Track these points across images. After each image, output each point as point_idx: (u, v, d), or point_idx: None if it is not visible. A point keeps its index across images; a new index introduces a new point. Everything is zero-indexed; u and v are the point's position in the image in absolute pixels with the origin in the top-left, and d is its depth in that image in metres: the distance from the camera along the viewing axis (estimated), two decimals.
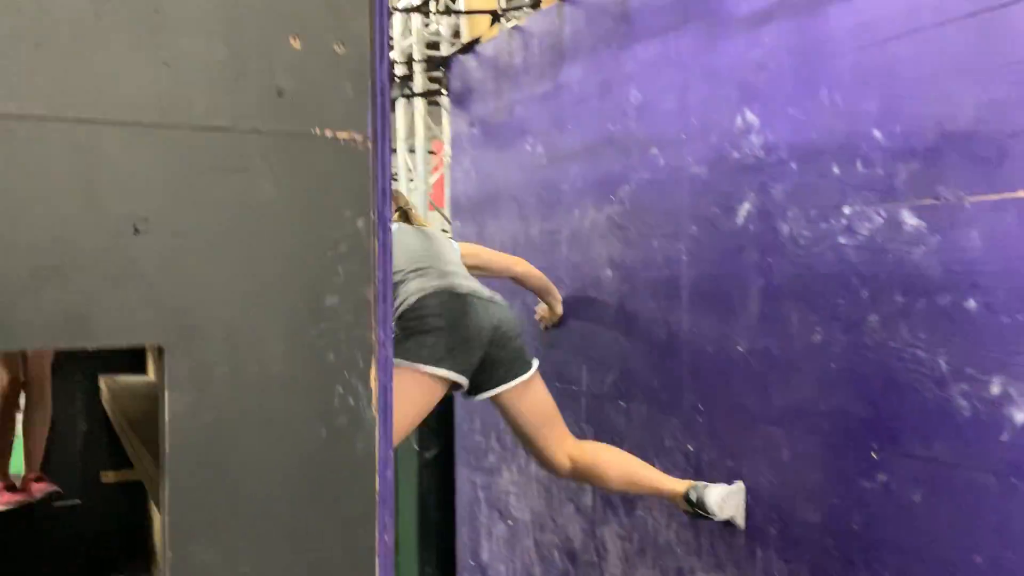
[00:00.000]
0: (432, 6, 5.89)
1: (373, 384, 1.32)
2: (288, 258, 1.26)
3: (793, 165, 2.80)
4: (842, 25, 2.63)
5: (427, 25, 6.08)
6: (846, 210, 2.63)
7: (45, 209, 1.13)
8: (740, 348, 3.02)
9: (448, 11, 5.79)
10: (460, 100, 4.99)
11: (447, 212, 5.42)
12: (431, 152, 6.72)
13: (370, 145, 1.32)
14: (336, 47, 1.30)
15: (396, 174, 6.20)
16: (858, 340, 2.59)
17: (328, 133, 1.29)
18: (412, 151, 6.34)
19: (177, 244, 1.19)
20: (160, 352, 1.19)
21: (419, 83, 5.55)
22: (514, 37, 4.41)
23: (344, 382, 1.30)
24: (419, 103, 5.62)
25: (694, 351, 3.24)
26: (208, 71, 1.22)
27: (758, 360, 2.95)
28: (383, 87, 1.34)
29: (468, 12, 4.68)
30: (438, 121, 6.44)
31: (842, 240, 2.64)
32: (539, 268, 4.02)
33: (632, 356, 3.58)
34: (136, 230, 1.17)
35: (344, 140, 1.30)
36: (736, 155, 3.02)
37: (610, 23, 3.68)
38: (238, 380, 1.23)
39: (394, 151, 6.59)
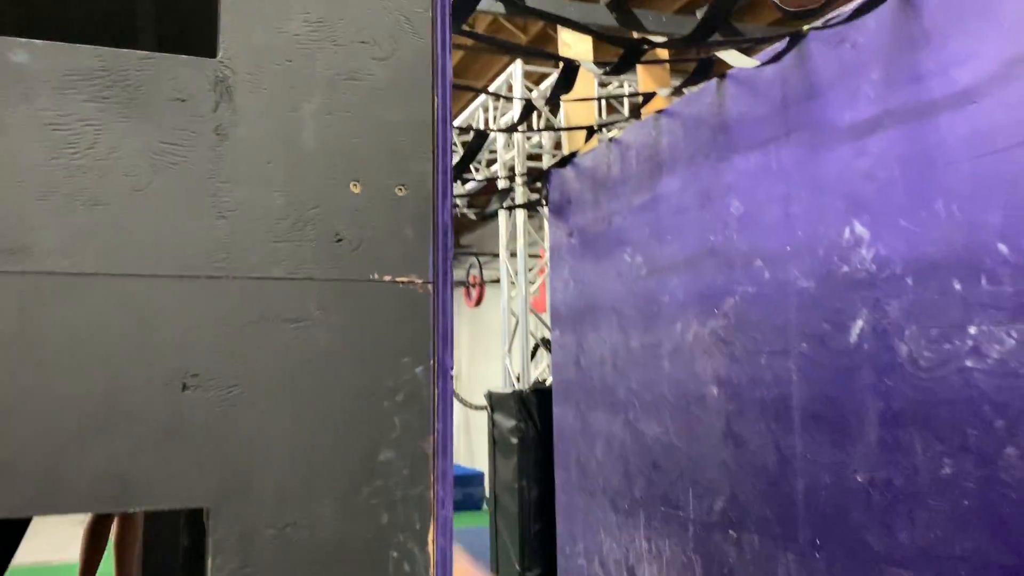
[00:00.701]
0: (534, 123, 6.00)
1: (431, 548, 1.21)
2: (342, 410, 1.19)
3: (909, 281, 2.60)
4: (955, 133, 2.46)
5: (529, 139, 6.17)
6: (971, 330, 2.39)
7: (95, 364, 1.10)
8: (859, 478, 2.76)
9: (549, 127, 5.87)
10: (558, 210, 4.98)
11: (547, 319, 5.36)
12: (535, 256, 6.73)
13: (431, 288, 1.25)
14: (397, 190, 1.26)
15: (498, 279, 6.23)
16: (994, 475, 2.31)
17: (387, 278, 1.23)
18: (514, 255, 6.37)
19: (226, 399, 1.14)
20: (206, 515, 1.13)
21: (520, 194, 5.60)
22: (611, 149, 4.39)
23: (399, 546, 1.20)
24: (520, 213, 5.66)
25: (809, 478, 2.99)
26: (265, 221, 1.19)
27: (880, 492, 2.68)
28: (445, 228, 1.28)
29: (567, 129, 4.71)
30: (540, 227, 6.46)
31: (969, 363, 2.40)
32: (640, 383, 3.87)
33: (742, 481, 3.34)
34: (185, 386, 1.13)
35: (404, 284, 1.24)
36: (846, 269, 2.84)
37: (708, 133, 3.60)
38: (285, 545, 1.15)
39: (495, 256, 6.65)
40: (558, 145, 5.90)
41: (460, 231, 18.96)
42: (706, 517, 3.54)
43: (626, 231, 4.23)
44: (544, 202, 5.14)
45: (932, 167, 2.53)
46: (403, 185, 1.26)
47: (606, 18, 4.02)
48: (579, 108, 4.92)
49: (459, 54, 9.40)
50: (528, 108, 3.15)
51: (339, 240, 1.22)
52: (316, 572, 1.17)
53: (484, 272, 11.02)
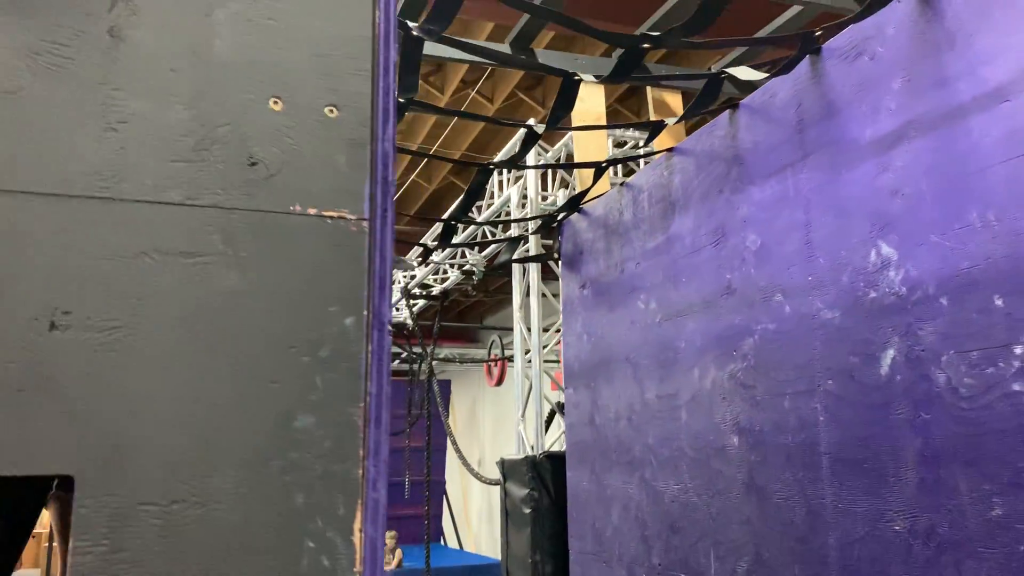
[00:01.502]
0: (549, 185, 5.89)
1: (357, 539, 0.98)
2: (251, 364, 0.98)
3: (944, 301, 2.35)
4: (988, 136, 2.26)
5: (545, 198, 6.05)
6: (1017, 350, 2.13)
7: None
8: (897, 527, 2.46)
9: (565, 185, 5.75)
10: (571, 263, 4.78)
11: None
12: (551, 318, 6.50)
13: (366, 226, 1.05)
14: (328, 111, 1.07)
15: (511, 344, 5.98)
16: None
17: (312, 211, 1.04)
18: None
19: (105, 344, 0.93)
20: (68, 484, 0.91)
21: (534, 247, 5.43)
22: (623, 194, 4.21)
23: (316, 534, 0.97)
24: (533, 269, 5.47)
25: (841, 531, 2.67)
26: (163, 137, 1.00)
27: (922, 542, 2.37)
28: (386, 158, 1.09)
29: (577, 166, 4.56)
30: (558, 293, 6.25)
31: (1017, 387, 2.13)
32: (657, 438, 3.60)
33: (767, 539, 3.02)
34: (53, 325, 0.92)
35: (333, 219, 1.04)
36: (873, 295, 2.60)
37: (722, 167, 3.42)
38: (171, 526, 0.92)
39: (508, 332, 6.42)
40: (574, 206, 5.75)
41: (480, 309, 18.82)
42: None
43: (639, 277, 4.02)
44: (556, 255, 4.96)
45: (964, 175, 2.32)
46: (334, 106, 1.08)
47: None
48: (590, 145, 4.78)
49: (477, 128, 9.41)
50: (531, 137, 3.00)
51: (253, 164, 1.03)
52: (209, 562, 0.93)
53: (507, 350, 10.74)
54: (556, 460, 5.21)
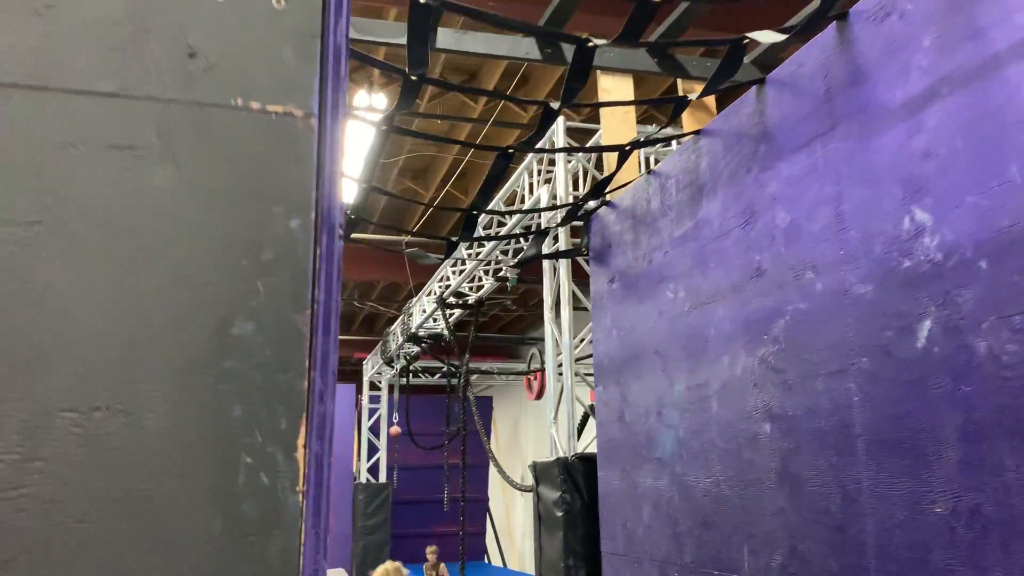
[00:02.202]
0: (580, 183, 5.79)
1: (300, 455, 0.89)
2: (185, 265, 0.90)
3: (983, 264, 2.20)
4: None
5: (576, 198, 5.96)
6: None
7: None
8: (939, 509, 2.30)
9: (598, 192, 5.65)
10: (600, 257, 4.67)
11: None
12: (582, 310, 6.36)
13: (314, 123, 0.97)
14: (274, 1, 0.99)
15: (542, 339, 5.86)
16: None
17: (255, 105, 0.96)
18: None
19: (23, 239, 0.86)
20: None
21: (564, 241, 5.33)
22: (650, 182, 4.10)
23: (255, 449, 0.88)
24: (563, 266, 5.36)
25: (879, 517, 2.51)
26: (95, 23, 0.93)
27: (965, 524, 2.21)
28: (338, 52, 1.01)
29: (602, 149, 4.46)
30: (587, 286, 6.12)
31: None
32: (688, 431, 3.48)
33: (802, 529, 2.86)
34: None
35: (278, 115, 0.96)
36: (907, 264, 2.45)
37: (749, 146, 3.30)
38: (91, 436, 0.84)
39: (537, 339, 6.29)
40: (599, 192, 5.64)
41: (522, 325, 18.72)
42: (763, 575, 3.05)
43: (668, 266, 3.90)
44: (585, 251, 4.85)
45: (1001, 129, 2.17)
46: None
47: None
48: (618, 135, 4.68)
49: (512, 136, 9.38)
50: (548, 115, 2.90)
51: (192, 55, 0.96)
52: (134, 475, 0.85)
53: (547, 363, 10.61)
54: (588, 462, 5.07)
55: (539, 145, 5.29)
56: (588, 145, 5.55)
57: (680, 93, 5.04)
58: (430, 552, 13.99)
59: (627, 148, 3.55)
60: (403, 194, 10.88)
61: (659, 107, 7.41)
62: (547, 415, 5.67)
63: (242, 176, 0.94)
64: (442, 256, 4.94)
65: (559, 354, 5.64)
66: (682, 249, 3.78)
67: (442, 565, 13.94)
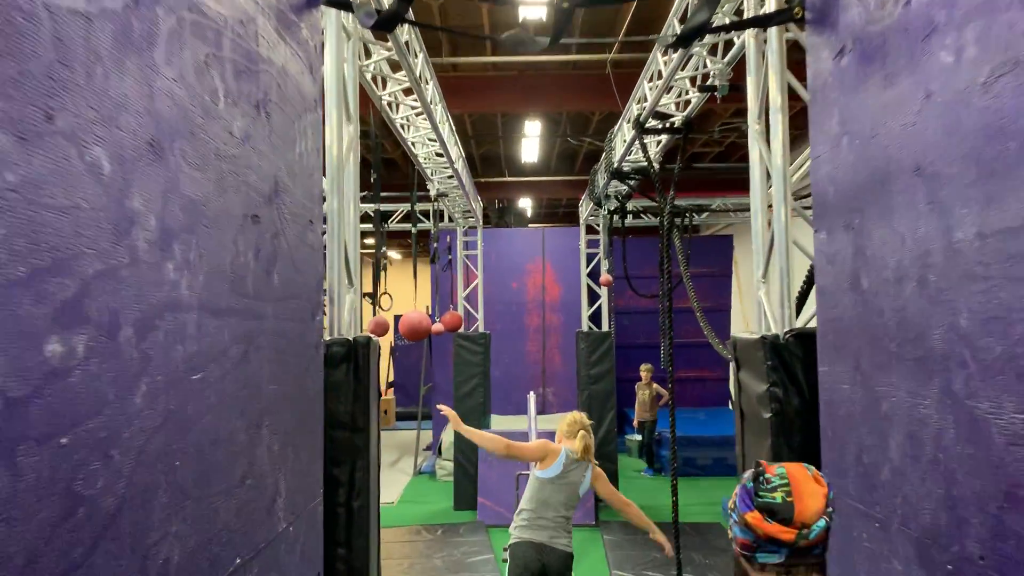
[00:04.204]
0: None
1: None
2: None
3: None
4: None
5: None
6: None
7: None
8: None
9: None
10: (821, 18, 2.82)
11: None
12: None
13: None
14: None
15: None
16: None
17: None
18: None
19: None
20: None
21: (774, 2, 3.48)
22: None
23: None
24: (774, 50, 3.51)
25: None
26: None
27: None
28: None
29: None
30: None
31: None
32: (980, 317, 1.77)
33: None
34: None
35: None
36: None
37: None
38: None
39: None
40: None
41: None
42: None
43: (939, 5, 2.05)
44: (799, 10, 3.01)
45: None
46: None
47: None
48: None
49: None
50: None
51: None
52: None
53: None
54: (811, 342, 3.41)
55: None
56: None
57: None
58: (644, 370, 13.16)
59: None
60: None
61: None
62: (754, 272, 3.98)
63: None
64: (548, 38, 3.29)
65: (770, 185, 3.87)
66: None
67: (655, 384, 13.03)
